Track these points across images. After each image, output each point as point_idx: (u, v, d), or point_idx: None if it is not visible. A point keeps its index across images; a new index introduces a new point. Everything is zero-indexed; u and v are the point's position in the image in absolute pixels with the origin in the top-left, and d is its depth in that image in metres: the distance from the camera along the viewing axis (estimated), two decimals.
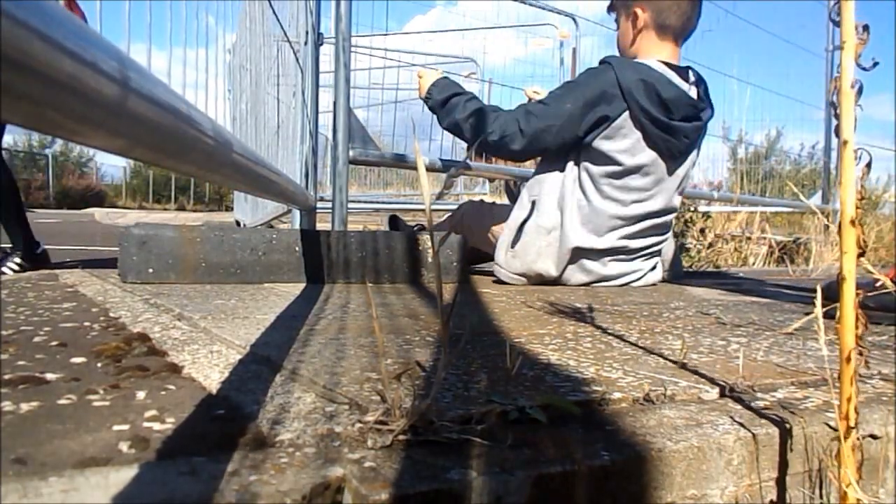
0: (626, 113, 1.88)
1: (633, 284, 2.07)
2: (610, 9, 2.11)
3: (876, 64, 0.55)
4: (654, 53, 1.97)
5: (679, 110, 1.89)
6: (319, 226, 2.16)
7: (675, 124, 1.90)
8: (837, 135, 0.55)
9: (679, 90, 1.90)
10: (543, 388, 0.71)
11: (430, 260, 1.96)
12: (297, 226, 2.21)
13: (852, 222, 0.55)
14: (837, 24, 0.55)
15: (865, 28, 0.54)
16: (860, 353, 0.56)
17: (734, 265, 3.72)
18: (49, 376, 0.69)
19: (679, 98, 1.89)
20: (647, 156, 1.93)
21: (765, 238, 4.10)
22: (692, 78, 2.00)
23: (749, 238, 3.95)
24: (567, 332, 1.12)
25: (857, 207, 0.55)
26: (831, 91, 0.55)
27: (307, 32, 2.20)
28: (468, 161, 2.73)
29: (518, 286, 2.01)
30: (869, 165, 0.56)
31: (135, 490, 0.42)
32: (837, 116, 0.55)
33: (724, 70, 4.91)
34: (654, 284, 2.13)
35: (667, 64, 1.95)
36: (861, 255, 0.55)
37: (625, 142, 1.90)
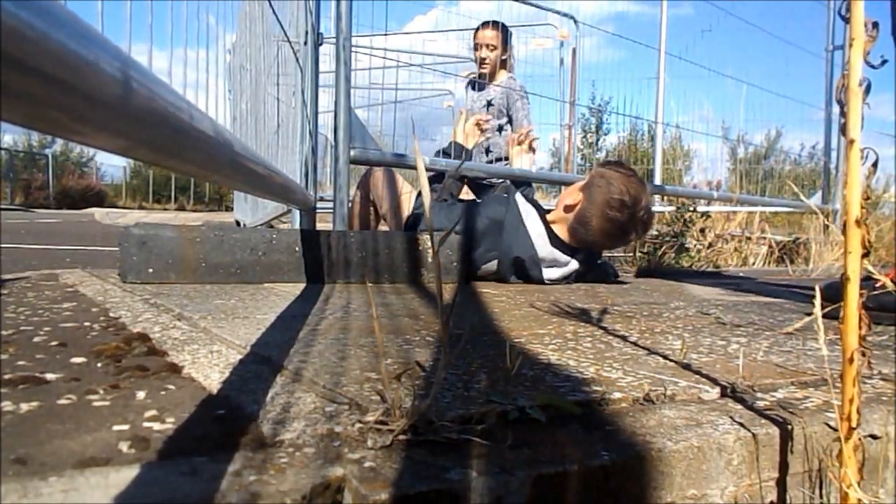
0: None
1: None
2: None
3: (885, 62, 0.55)
4: (561, 229, 2.14)
5: (533, 284, 2.09)
6: (319, 226, 2.16)
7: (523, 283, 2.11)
8: (844, 133, 0.55)
9: (539, 275, 2.08)
10: (543, 388, 0.71)
11: (430, 260, 1.96)
12: (297, 226, 2.21)
13: (857, 222, 0.54)
14: (846, 20, 0.55)
15: (875, 25, 0.54)
16: (863, 354, 0.56)
17: (734, 265, 3.72)
18: (49, 376, 0.69)
19: (538, 280, 2.09)
20: None
21: (765, 238, 4.09)
22: (579, 254, 2.16)
23: (749, 238, 3.94)
24: (567, 332, 1.12)
25: (863, 207, 0.54)
26: (839, 89, 0.55)
27: (307, 32, 2.20)
28: (467, 161, 2.74)
29: (518, 286, 2.01)
30: (875, 165, 0.56)
31: (135, 490, 0.42)
32: (844, 115, 0.55)
33: (723, 70, 4.91)
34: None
35: (554, 237, 2.12)
36: (866, 255, 0.55)
37: None
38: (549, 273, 2.11)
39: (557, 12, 5.46)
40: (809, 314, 0.62)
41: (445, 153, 2.82)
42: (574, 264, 2.14)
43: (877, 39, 0.54)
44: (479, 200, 2.31)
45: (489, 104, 3.67)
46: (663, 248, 3.15)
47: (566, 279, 2.15)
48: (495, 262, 2.10)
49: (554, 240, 2.11)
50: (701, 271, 3.06)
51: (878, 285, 0.63)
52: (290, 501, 0.42)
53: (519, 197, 2.17)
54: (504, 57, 3.68)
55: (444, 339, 0.56)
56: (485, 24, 3.62)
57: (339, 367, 0.77)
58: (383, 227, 2.82)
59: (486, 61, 3.60)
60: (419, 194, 2.47)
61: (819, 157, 5.28)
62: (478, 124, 2.85)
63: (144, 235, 1.64)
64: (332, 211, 2.24)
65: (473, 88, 3.83)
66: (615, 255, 3.62)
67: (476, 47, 3.65)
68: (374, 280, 1.90)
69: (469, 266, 2.09)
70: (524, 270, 2.08)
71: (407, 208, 2.62)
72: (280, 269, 1.79)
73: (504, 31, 3.64)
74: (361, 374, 0.73)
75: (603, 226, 2.04)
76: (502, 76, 3.72)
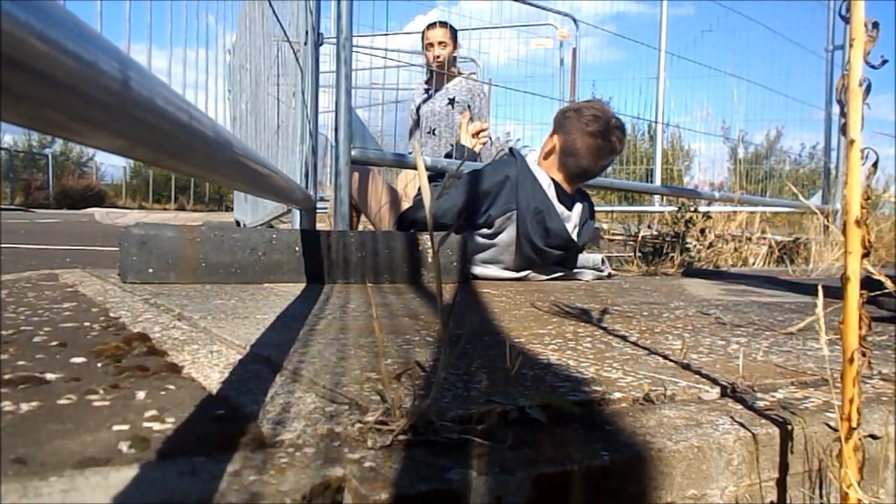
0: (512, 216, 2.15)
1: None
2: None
3: (885, 62, 0.55)
4: (554, 173, 2.22)
5: (555, 239, 2.14)
6: (319, 226, 2.16)
7: (546, 250, 2.15)
8: (844, 133, 0.55)
9: (560, 223, 2.13)
10: (543, 388, 0.71)
11: (430, 260, 1.96)
12: (297, 226, 2.21)
13: (857, 222, 0.54)
14: (846, 20, 0.54)
15: (875, 25, 0.54)
16: (863, 354, 0.56)
17: (734, 265, 3.72)
18: (49, 376, 0.69)
19: (559, 231, 2.13)
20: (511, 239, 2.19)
21: (765, 238, 4.09)
22: (577, 205, 2.28)
23: (749, 238, 3.94)
24: (567, 332, 1.12)
25: (863, 207, 0.54)
26: (839, 89, 0.55)
27: (307, 32, 2.20)
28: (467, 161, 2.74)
29: (518, 286, 2.01)
30: (875, 165, 0.56)
31: (135, 490, 0.42)
32: (844, 115, 0.55)
33: (724, 69, 4.91)
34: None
35: (558, 187, 2.20)
36: (866, 255, 0.55)
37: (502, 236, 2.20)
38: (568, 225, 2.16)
39: (557, 12, 5.47)
40: (810, 314, 0.62)
41: (448, 156, 2.86)
42: (577, 210, 2.24)
43: (877, 39, 0.54)
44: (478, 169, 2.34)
45: (452, 102, 3.65)
46: (665, 248, 3.15)
47: (577, 229, 2.22)
48: (513, 213, 2.12)
49: (559, 190, 2.19)
50: (701, 271, 3.06)
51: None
52: (290, 501, 0.42)
53: (523, 152, 2.26)
54: (455, 54, 3.71)
55: (444, 339, 0.56)
56: (433, 24, 3.69)
57: (339, 367, 0.77)
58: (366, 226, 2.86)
59: (440, 58, 3.64)
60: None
61: (819, 157, 5.28)
62: (478, 132, 2.89)
63: (144, 235, 1.64)
64: (332, 210, 2.24)
65: (427, 91, 3.81)
66: (614, 255, 3.62)
67: (427, 47, 3.68)
68: (373, 280, 1.90)
69: (482, 226, 2.14)
70: (544, 223, 2.11)
71: (385, 202, 2.69)
72: (280, 269, 1.79)
73: (452, 29, 3.71)
74: (361, 374, 0.73)
75: (588, 143, 2.15)
76: (456, 74, 3.73)
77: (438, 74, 3.65)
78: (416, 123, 3.80)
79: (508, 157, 2.25)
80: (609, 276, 2.41)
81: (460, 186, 2.21)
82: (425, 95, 3.80)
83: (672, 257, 3.09)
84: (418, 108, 3.82)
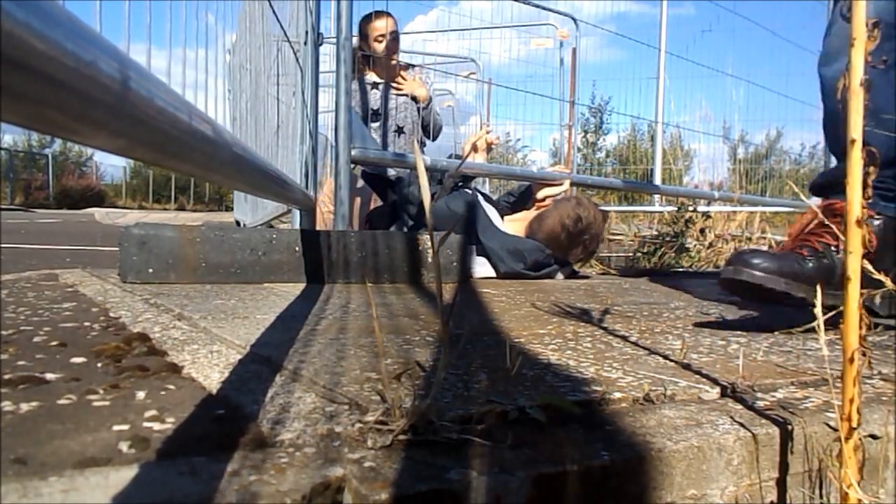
0: None
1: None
2: None
3: (885, 62, 0.55)
4: (519, 223, 2.46)
5: (531, 257, 2.27)
6: (319, 226, 2.16)
7: (528, 273, 2.28)
8: (844, 133, 0.55)
9: (531, 243, 2.31)
10: (543, 388, 0.71)
11: (430, 260, 1.96)
12: (297, 226, 2.21)
13: (857, 222, 0.54)
14: (848, 20, 0.54)
15: (875, 25, 0.54)
16: (863, 354, 0.56)
17: None
18: (49, 376, 0.69)
19: (532, 248, 2.30)
20: None
21: (765, 238, 4.09)
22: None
23: (749, 238, 3.94)
24: (567, 332, 1.12)
25: (863, 207, 0.54)
26: (840, 89, 0.55)
27: (307, 32, 2.20)
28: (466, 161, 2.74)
29: (518, 286, 2.01)
30: (876, 165, 0.56)
31: (135, 490, 0.42)
32: (845, 114, 0.55)
33: (723, 69, 4.91)
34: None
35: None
36: (866, 255, 0.55)
37: None
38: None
39: (558, 12, 5.46)
40: (812, 305, 0.62)
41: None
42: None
43: (877, 39, 0.54)
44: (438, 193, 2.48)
45: (415, 98, 3.54)
46: (663, 248, 3.15)
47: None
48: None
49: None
50: (701, 271, 3.06)
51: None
52: (290, 501, 0.42)
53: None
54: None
55: (444, 339, 0.56)
56: (377, 16, 3.36)
57: (338, 366, 0.77)
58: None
59: (392, 51, 3.42)
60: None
61: (819, 156, 5.28)
62: (490, 143, 2.91)
63: (144, 235, 1.64)
64: (332, 210, 2.24)
65: (375, 86, 3.53)
66: (614, 255, 3.62)
67: (376, 39, 3.38)
68: (374, 280, 1.90)
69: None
70: (521, 254, 2.25)
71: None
72: (280, 269, 1.79)
73: (395, 21, 3.45)
74: (361, 374, 0.73)
75: (553, 228, 2.33)
76: (405, 67, 3.61)
77: (386, 67, 3.44)
78: (370, 116, 3.51)
79: (468, 193, 2.41)
80: (576, 274, 2.51)
81: (455, 201, 2.36)
82: (376, 91, 3.53)
83: (672, 257, 3.09)
84: (363, 99, 3.52)
